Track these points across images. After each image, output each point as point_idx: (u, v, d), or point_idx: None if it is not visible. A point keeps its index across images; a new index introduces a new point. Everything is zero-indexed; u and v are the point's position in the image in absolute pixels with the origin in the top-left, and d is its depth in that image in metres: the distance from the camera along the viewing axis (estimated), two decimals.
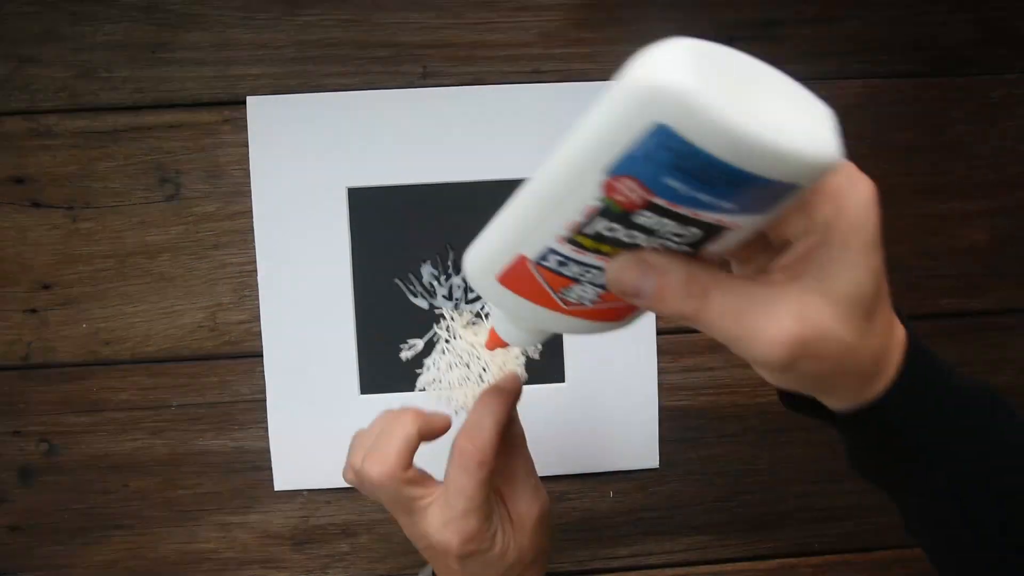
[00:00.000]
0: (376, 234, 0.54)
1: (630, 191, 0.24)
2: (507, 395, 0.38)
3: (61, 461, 0.54)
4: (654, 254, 0.27)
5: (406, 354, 0.53)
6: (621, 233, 0.26)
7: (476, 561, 0.38)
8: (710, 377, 0.56)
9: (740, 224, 0.25)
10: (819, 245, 0.26)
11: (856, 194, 0.27)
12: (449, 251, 0.55)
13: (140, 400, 0.54)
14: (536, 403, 0.55)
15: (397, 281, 0.55)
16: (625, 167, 0.23)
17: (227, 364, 0.54)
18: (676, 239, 0.26)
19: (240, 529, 0.55)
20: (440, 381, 0.42)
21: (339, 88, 0.54)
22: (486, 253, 0.30)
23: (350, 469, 0.40)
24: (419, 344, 0.53)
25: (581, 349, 0.55)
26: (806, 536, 0.58)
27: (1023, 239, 0.57)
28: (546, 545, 0.41)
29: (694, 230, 0.25)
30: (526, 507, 0.39)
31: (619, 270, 0.27)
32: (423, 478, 0.38)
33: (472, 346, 0.47)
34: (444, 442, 0.39)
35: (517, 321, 0.34)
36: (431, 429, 0.39)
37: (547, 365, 0.55)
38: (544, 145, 0.59)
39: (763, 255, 0.30)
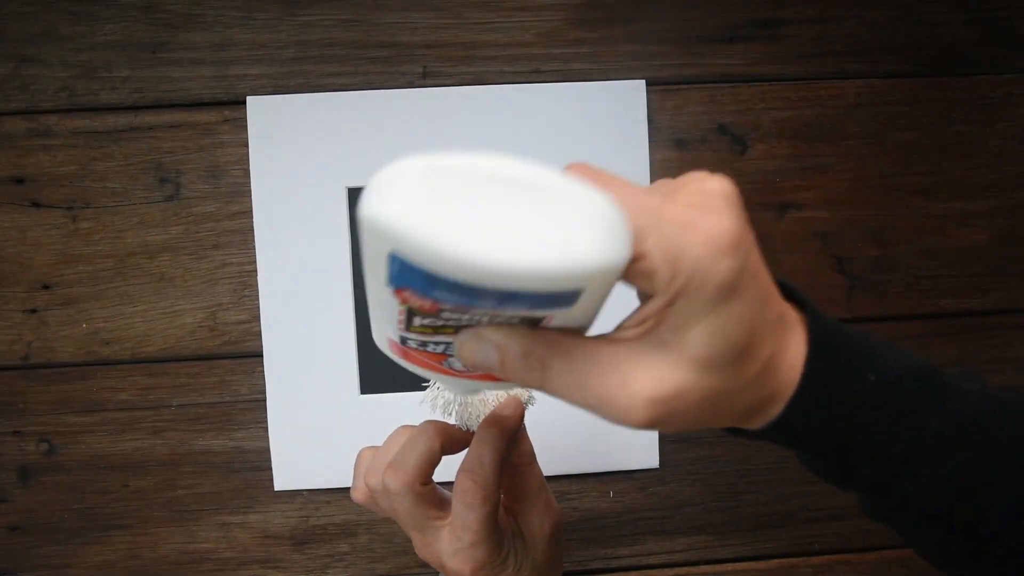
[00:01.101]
0: None
1: (416, 298, 0.24)
2: (506, 423, 0.37)
3: (61, 461, 0.54)
4: (491, 330, 0.26)
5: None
6: (447, 322, 0.26)
7: None
8: None
9: (549, 315, 0.24)
10: (667, 305, 0.24)
11: (692, 247, 0.23)
12: None
13: (140, 400, 0.54)
14: (536, 403, 0.55)
15: None
16: (398, 281, 0.23)
17: (227, 364, 0.54)
18: (504, 318, 0.25)
19: (240, 529, 0.55)
20: (445, 399, 0.41)
21: (339, 88, 0.54)
22: (374, 331, 0.30)
23: (361, 487, 0.39)
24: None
25: None
26: (806, 536, 0.58)
27: (1023, 239, 0.57)
28: (560, 557, 0.40)
29: (509, 319, 0.25)
30: (538, 524, 0.39)
31: (460, 347, 0.27)
32: (440, 499, 0.38)
33: None
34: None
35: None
36: (454, 443, 0.39)
37: None
38: (544, 145, 0.59)
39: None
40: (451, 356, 0.29)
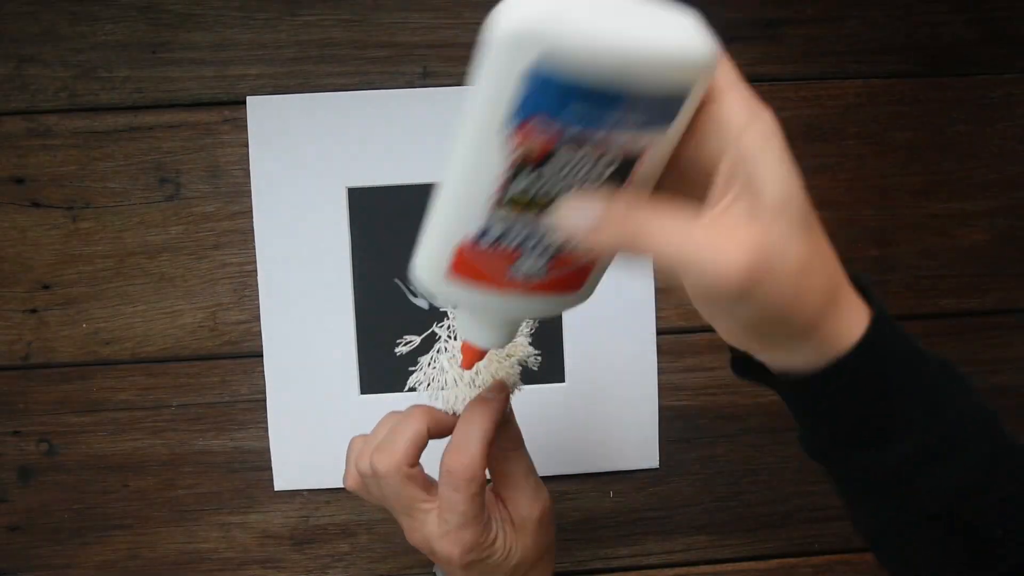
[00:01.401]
0: (376, 234, 0.54)
1: (539, 130, 0.25)
2: (493, 406, 0.38)
3: (61, 461, 0.54)
4: (589, 193, 0.27)
5: (401, 349, 0.53)
6: (547, 183, 0.27)
7: (479, 568, 0.38)
8: (710, 377, 0.56)
9: (650, 141, 0.26)
10: (739, 159, 0.26)
11: (755, 107, 0.28)
12: None
13: (140, 400, 0.54)
14: (536, 403, 0.55)
15: (397, 281, 0.55)
16: (525, 110, 0.24)
17: (227, 364, 0.54)
18: (599, 175, 0.27)
19: (240, 529, 0.55)
20: (433, 381, 0.42)
21: (339, 88, 0.54)
22: (430, 253, 0.30)
23: (352, 473, 0.40)
24: (416, 340, 0.53)
25: (581, 349, 0.55)
26: (806, 536, 0.58)
27: (1023, 239, 0.57)
28: (550, 542, 0.41)
29: (612, 158, 0.26)
30: (527, 509, 0.39)
31: (563, 208, 0.27)
32: (428, 483, 0.38)
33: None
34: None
35: (481, 317, 0.34)
36: (441, 426, 0.39)
37: (547, 365, 0.55)
38: None
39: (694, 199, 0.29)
40: (525, 253, 0.29)
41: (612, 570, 0.57)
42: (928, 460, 0.29)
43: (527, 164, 0.26)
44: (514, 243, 0.29)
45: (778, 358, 0.30)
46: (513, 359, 0.41)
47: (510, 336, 0.35)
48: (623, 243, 0.27)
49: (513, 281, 0.30)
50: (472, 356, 0.36)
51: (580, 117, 0.24)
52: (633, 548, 0.57)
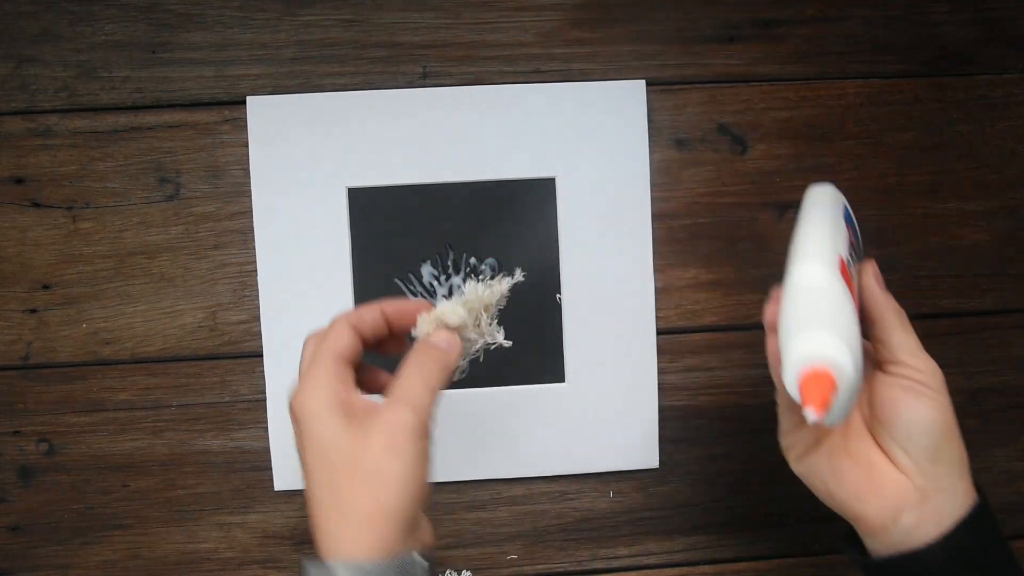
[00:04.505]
0: (376, 234, 0.54)
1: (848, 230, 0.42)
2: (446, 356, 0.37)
3: (61, 461, 0.54)
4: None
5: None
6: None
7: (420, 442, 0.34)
8: (710, 377, 0.56)
9: None
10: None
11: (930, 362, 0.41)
12: (449, 251, 0.55)
13: (140, 400, 0.54)
14: (536, 403, 0.55)
15: (397, 281, 0.55)
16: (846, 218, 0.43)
17: (227, 364, 0.55)
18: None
19: (240, 529, 0.55)
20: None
21: (339, 88, 0.54)
22: (823, 250, 0.37)
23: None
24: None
25: (581, 349, 0.55)
26: (806, 536, 0.58)
27: (1023, 239, 0.57)
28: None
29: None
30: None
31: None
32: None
33: (479, 302, 0.44)
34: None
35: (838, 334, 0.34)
36: (375, 329, 0.38)
37: (547, 365, 0.55)
38: (544, 145, 0.59)
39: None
40: (855, 291, 0.38)
41: (612, 570, 0.57)
42: None
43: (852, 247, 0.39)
44: (852, 274, 0.38)
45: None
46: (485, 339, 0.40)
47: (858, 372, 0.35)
48: None
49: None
50: (826, 384, 0.33)
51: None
52: (633, 548, 0.57)
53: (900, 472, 0.38)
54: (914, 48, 0.56)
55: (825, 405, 0.31)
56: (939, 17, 0.56)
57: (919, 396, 0.38)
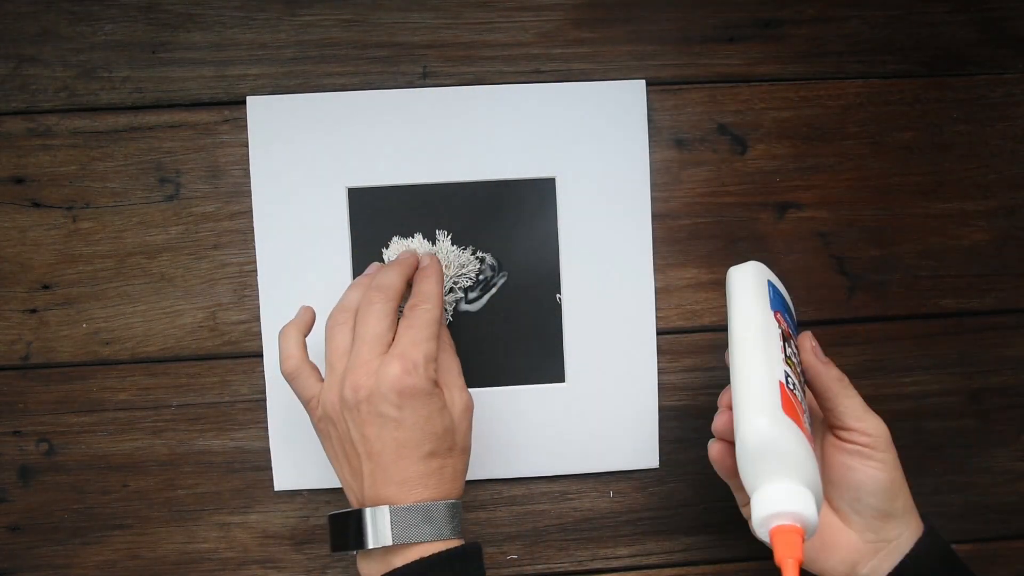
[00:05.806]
0: (376, 234, 0.54)
1: (781, 319, 0.43)
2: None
3: (61, 461, 0.54)
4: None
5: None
6: (788, 356, 0.41)
7: (418, 401, 0.41)
8: (710, 377, 0.56)
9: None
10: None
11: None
12: None
13: (140, 400, 0.54)
14: (536, 403, 0.55)
15: None
16: (774, 304, 0.43)
17: (227, 364, 0.55)
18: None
19: (240, 529, 0.55)
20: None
21: (339, 88, 0.54)
22: (763, 394, 0.38)
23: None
24: None
25: (581, 349, 0.55)
26: None
27: (1023, 239, 0.57)
28: (470, 443, 0.46)
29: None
30: (458, 397, 0.45)
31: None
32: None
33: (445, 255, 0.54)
34: None
35: (795, 474, 0.37)
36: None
37: (547, 365, 0.55)
38: (544, 145, 0.58)
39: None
40: (802, 404, 0.40)
41: (612, 570, 0.57)
42: None
43: (786, 338, 0.41)
44: (797, 394, 0.39)
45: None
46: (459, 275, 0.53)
47: (816, 501, 0.37)
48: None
49: (806, 430, 0.38)
50: (796, 539, 0.36)
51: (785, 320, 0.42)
52: (633, 548, 0.57)
53: (852, 531, 0.43)
54: (914, 48, 0.56)
55: (798, 556, 0.35)
56: (939, 17, 0.56)
57: (865, 460, 0.41)
